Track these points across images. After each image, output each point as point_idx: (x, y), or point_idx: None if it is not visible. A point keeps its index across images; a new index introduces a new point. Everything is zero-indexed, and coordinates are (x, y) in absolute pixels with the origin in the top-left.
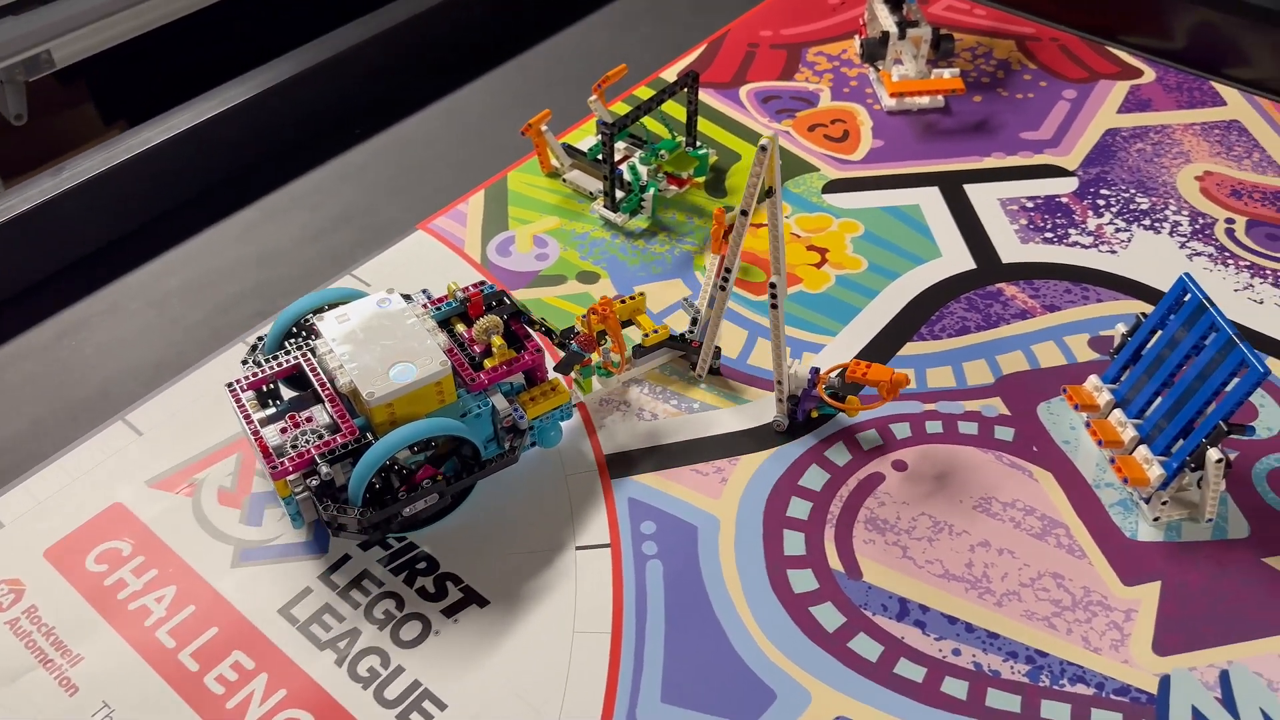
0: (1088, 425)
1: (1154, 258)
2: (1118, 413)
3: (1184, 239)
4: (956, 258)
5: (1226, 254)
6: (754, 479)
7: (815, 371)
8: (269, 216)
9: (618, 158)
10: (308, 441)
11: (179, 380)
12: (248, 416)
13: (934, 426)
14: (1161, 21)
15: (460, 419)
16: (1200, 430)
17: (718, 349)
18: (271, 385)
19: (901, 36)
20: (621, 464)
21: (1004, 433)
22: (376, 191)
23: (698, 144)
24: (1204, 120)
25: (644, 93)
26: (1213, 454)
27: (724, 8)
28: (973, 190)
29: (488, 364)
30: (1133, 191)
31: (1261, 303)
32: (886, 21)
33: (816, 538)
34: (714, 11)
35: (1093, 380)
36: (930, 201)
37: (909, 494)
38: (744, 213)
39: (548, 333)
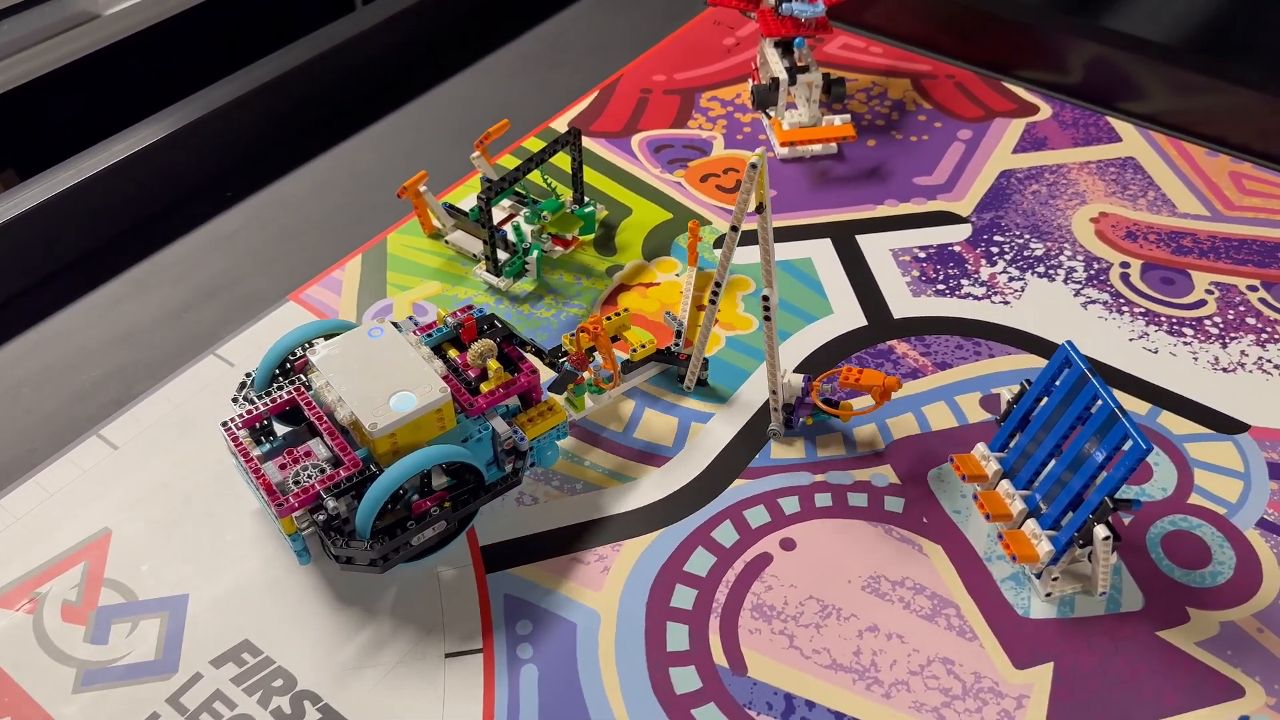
0: (975, 498)
1: (1048, 308)
2: (1005, 484)
3: (1079, 286)
4: (848, 314)
5: (1121, 301)
6: (638, 565)
7: (809, 380)
8: (132, 292)
9: (503, 216)
10: (310, 476)
11: (26, 480)
12: (246, 454)
13: (823, 499)
14: (1057, 56)
15: (461, 444)
16: (1087, 506)
17: (706, 360)
18: (265, 422)
19: (792, 82)
20: (499, 556)
21: (894, 503)
22: (247, 260)
23: (585, 200)
24: (1100, 158)
25: (534, 144)
26: (1100, 531)
27: (617, 51)
28: (865, 241)
29: (484, 388)
30: (1027, 237)
31: (1156, 352)
32: (776, 67)
33: (701, 630)
34: (607, 55)
35: (980, 449)
36: (823, 254)
37: (797, 575)
38: (734, 228)
39: (537, 353)
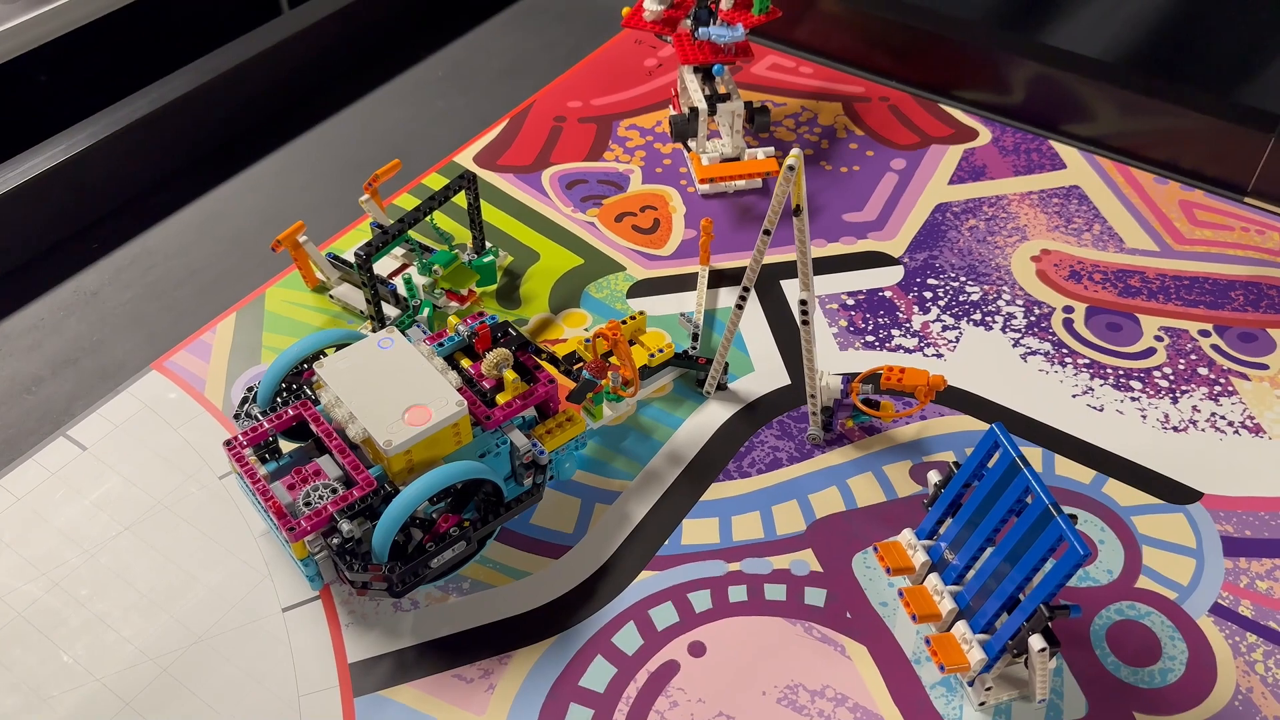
0: (901, 595)
1: (984, 360)
2: (934, 578)
3: (1018, 335)
4: (770, 372)
5: (1064, 351)
6: (527, 682)
7: (847, 380)
8: None
9: (395, 266)
10: (321, 497)
11: None
12: (253, 475)
13: (737, 593)
14: (998, 76)
15: (479, 459)
16: (1021, 611)
17: (726, 365)
18: (270, 440)
19: (712, 112)
20: (369, 675)
21: (815, 595)
22: (108, 323)
23: (486, 247)
24: (1042, 187)
25: (434, 181)
26: (1035, 642)
27: (529, 75)
28: (790, 287)
29: (500, 399)
30: (963, 279)
31: (1101, 409)
32: (695, 95)
33: None
34: (517, 80)
35: (907, 535)
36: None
37: (705, 687)
38: (766, 231)
39: (552, 361)
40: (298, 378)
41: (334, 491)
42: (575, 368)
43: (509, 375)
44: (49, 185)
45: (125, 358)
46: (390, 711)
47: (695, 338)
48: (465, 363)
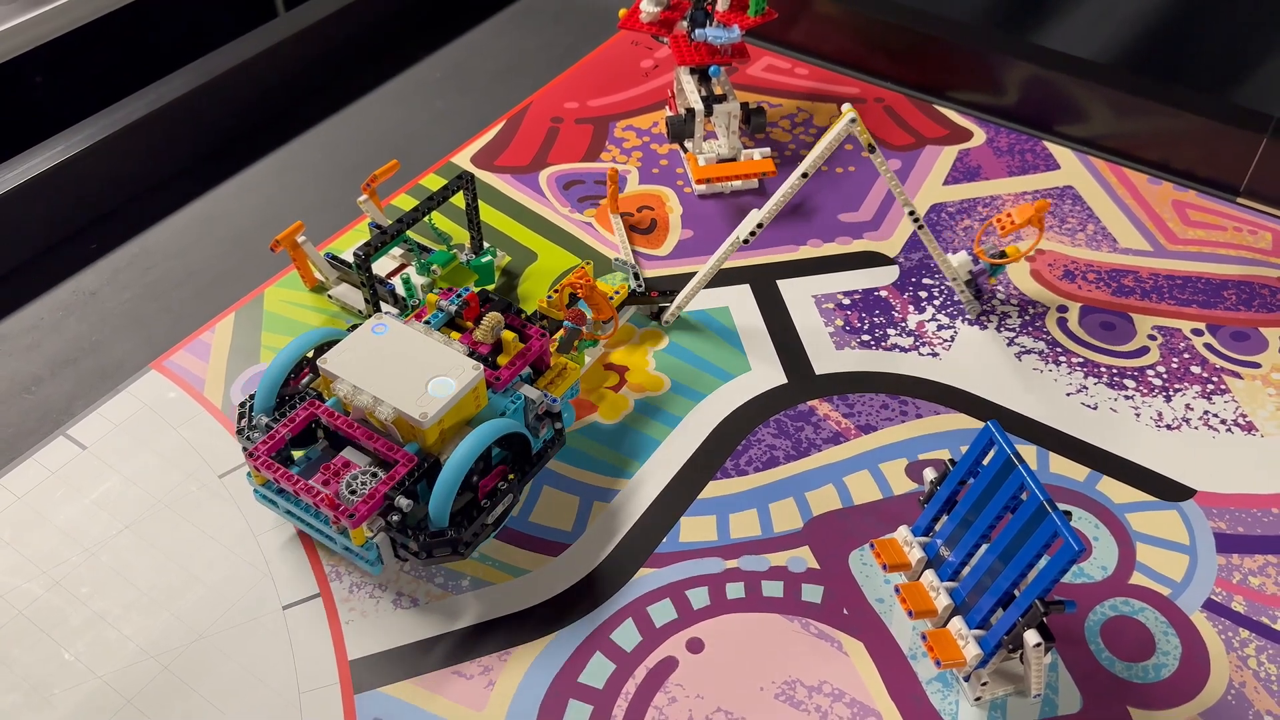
0: (897, 591)
1: (980, 359)
2: (930, 574)
3: (1013, 334)
4: (767, 371)
5: (1058, 350)
6: (527, 678)
7: (969, 250)
8: None
9: (394, 266)
10: (364, 484)
11: None
12: (290, 478)
13: (735, 590)
14: (993, 77)
15: (499, 417)
16: (1016, 606)
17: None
18: (284, 447)
19: (709, 113)
20: (370, 672)
21: (812, 592)
22: (107, 323)
23: (484, 247)
24: (1037, 188)
25: (432, 182)
26: (1030, 637)
27: (526, 76)
28: (786, 286)
29: (501, 360)
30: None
31: (1095, 408)
32: (692, 96)
33: None
34: (515, 81)
35: (903, 533)
36: (741, 302)
37: (704, 683)
38: (804, 175)
39: (530, 321)
40: (287, 385)
41: (374, 475)
42: (543, 324)
43: (508, 335)
44: (48, 186)
45: (124, 358)
46: (391, 708)
47: (636, 276)
48: (455, 336)
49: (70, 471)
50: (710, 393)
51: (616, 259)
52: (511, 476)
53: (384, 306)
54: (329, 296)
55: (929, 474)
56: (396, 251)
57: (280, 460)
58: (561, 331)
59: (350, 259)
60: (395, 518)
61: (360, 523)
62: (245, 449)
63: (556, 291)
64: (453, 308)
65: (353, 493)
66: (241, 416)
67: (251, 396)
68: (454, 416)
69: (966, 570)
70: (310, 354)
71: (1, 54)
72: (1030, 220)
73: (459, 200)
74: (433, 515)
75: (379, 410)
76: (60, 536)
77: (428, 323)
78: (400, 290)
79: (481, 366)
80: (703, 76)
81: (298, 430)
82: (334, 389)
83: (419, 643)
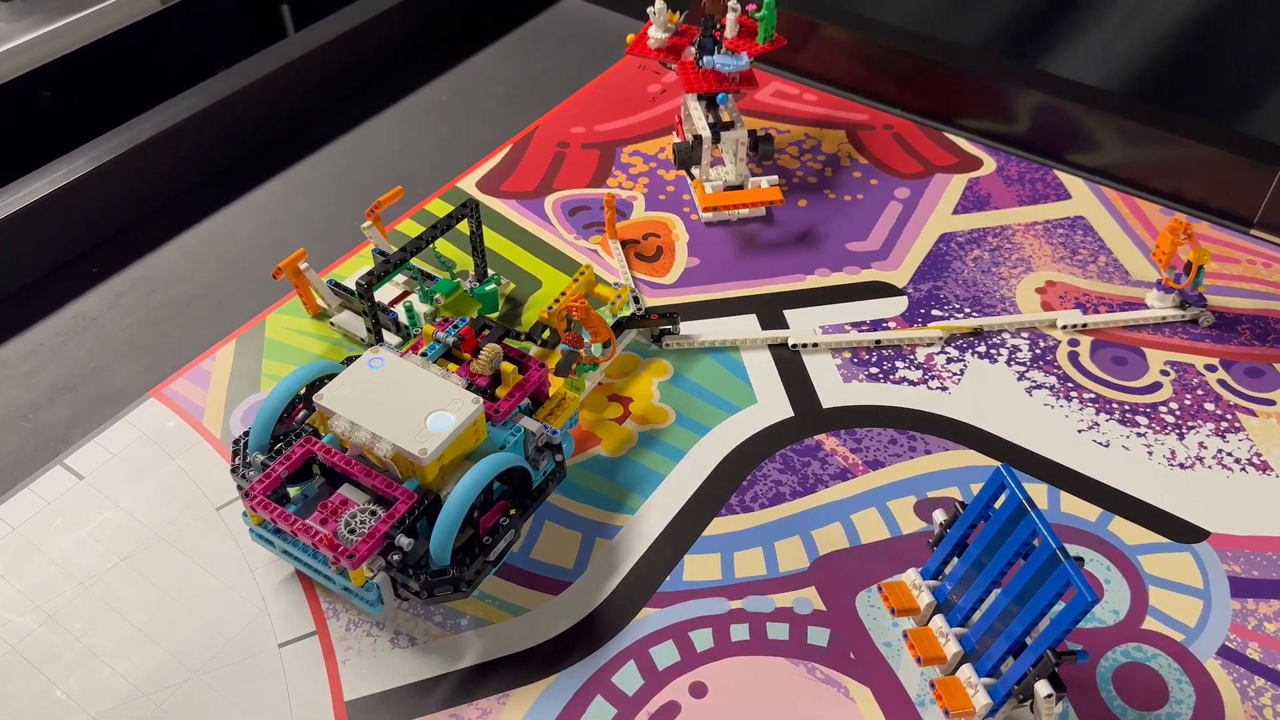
0: (906, 637)
1: (990, 394)
2: (939, 620)
3: (1023, 368)
4: (773, 404)
5: (1070, 385)
6: None
7: (1158, 285)
8: None
9: (397, 294)
10: (364, 522)
11: None
12: (287, 517)
13: (739, 631)
14: (1003, 105)
15: (499, 451)
16: (1027, 656)
17: (675, 316)
18: (280, 486)
19: (716, 140)
20: (366, 714)
21: (818, 635)
22: (107, 350)
23: (488, 274)
24: (1047, 218)
25: (438, 207)
26: (1041, 688)
27: (532, 100)
28: (793, 316)
29: (500, 392)
30: (968, 310)
31: (1107, 445)
32: (700, 123)
33: None
34: (521, 105)
35: (911, 576)
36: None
37: None
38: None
39: (528, 339)
40: (282, 423)
41: (374, 514)
42: (545, 335)
43: (508, 367)
44: (49, 209)
45: (124, 384)
46: None
47: (636, 300)
48: (452, 368)
49: (66, 502)
50: (715, 425)
51: (616, 284)
52: (513, 512)
53: (386, 335)
54: (331, 324)
55: (939, 516)
56: (400, 279)
57: (276, 498)
58: (558, 354)
59: (353, 286)
60: (396, 557)
61: (360, 563)
62: (240, 488)
63: (557, 301)
64: (450, 339)
65: (352, 532)
66: (236, 454)
67: (246, 433)
68: (454, 451)
69: (976, 616)
70: (304, 390)
71: (6, 73)
72: (1175, 243)
73: (464, 227)
74: (434, 553)
75: (377, 447)
76: (55, 569)
77: (424, 354)
78: (403, 318)
79: (481, 400)
80: (710, 103)
81: (294, 468)
82: (331, 425)
83: (417, 684)
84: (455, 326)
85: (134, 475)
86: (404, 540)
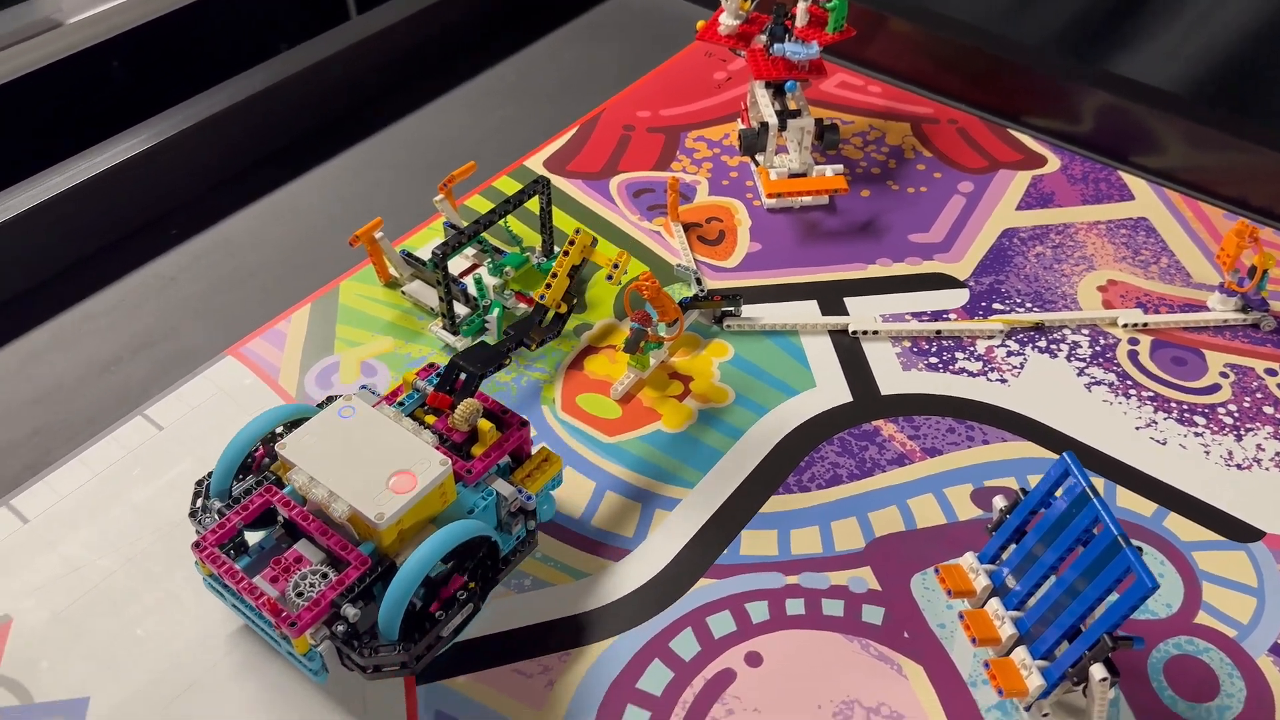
0: (961, 618)
1: (1049, 388)
2: (995, 603)
3: (1083, 364)
4: (832, 389)
5: (1129, 383)
6: (586, 680)
7: (1220, 288)
8: (55, 343)
9: (466, 265)
10: (313, 585)
11: None
12: (233, 574)
13: (795, 606)
14: (1068, 104)
15: (467, 515)
16: (1083, 640)
17: (736, 297)
18: (236, 534)
19: (782, 127)
20: (432, 664)
21: (873, 614)
22: (185, 308)
23: (554, 251)
24: (1110, 217)
25: (506, 185)
26: (1096, 671)
27: (599, 84)
28: (854, 304)
29: (475, 451)
30: (1029, 305)
31: (1165, 443)
32: (766, 111)
33: None
34: (588, 88)
35: (969, 559)
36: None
37: (762, 697)
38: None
39: (521, 344)
40: (248, 467)
41: (324, 577)
42: (619, 260)
43: (485, 425)
44: (131, 172)
45: (201, 343)
46: (451, 700)
47: (699, 281)
48: (430, 419)
49: (147, 451)
50: (774, 407)
51: (678, 265)
52: (472, 585)
53: (455, 306)
54: (402, 293)
55: (999, 502)
56: (469, 251)
57: (235, 547)
58: (627, 332)
59: (425, 257)
60: (341, 628)
61: (302, 632)
62: (193, 542)
63: (616, 267)
64: (430, 388)
65: (299, 595)
66: (197, 495)
67: (209, 475)
68: (415, 515)
69: (1033, 601)
70: (280, 429)
71: (80, 42)
72: (1241, 246)
73: (533, 204)
74: (381, 627)
75: (334, 507)
76: (135, 514)
77: (401, 404)
78: (472, 290)
79: (449, 462)
80: (778, 91)
81: (250, 519)
82: (289, 477)
83: (481, 639)
84: (439, 373)
85: (212, 428)
86: (350, 610)
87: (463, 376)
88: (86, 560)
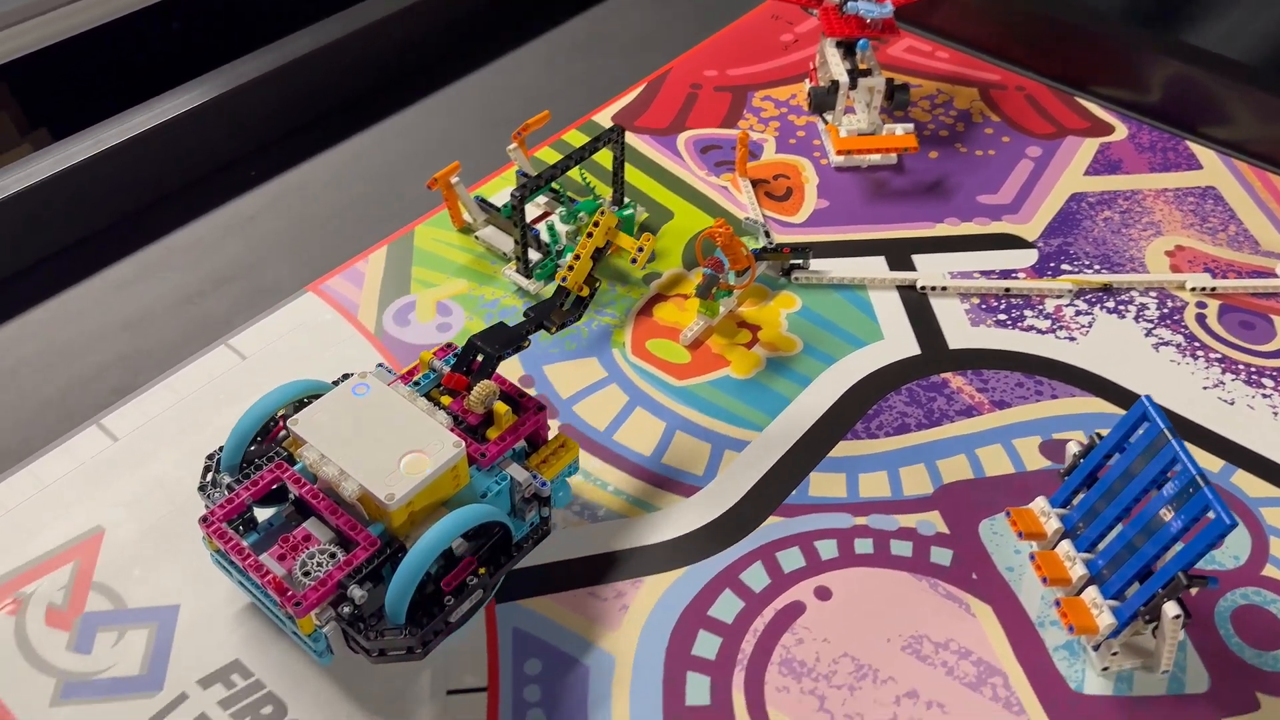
0: (1032, 558)
1: (1117, 347)
2: (1066, 544)
3: (1150, 325)
4: (900, 341)
5: (1196, 344)
6: (659, 606)
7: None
8: (142, 274)
9: (537, 214)
10: (320, 565)
11: (19, 470)
12: (241, 550)
13: (864, 545)
14: (1137, 74)
15: (480, 499)
16: (1157, 578)
17: (808, 250)
18: (246, 510)
19: (853, 86)
20: (510, 586)
21: (941, 555)
22: (265, 246)
23: (625, 201)
24: (1178, 186)
25: (574, 138)
26: (1169, 608)
27: (667, 42)
28: (921, 261)
29: (490, 434)
30: (1097, 267)
31: (1232, 403)
32: (837, 69)
33: (724, 683)
34: (656, 46)
35: (1040, 503)
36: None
37: (831, 629)
38: None
39: (539, 324)
40: (265, 436)
41: (332, 557)
42: (643, 244)
43: (500, 408)
44: (211, 114)
45: (280, 280)
46: (529, 620)
47: (767, 234)
48: (445, 400)
49: (230, 379)
50: (842, 357)
51: (747, 219)
52: (482, 570)
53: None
54: (476, 238)
55: (1073, 446)
56: (540, 200)
57: (243, 522)
58: (700, 277)
59: (498, 203)
60: (346, 609)
61: (308, 611)
62: (200, 516)
63: (640, 251)
64: (447, 368)
65: (306, 574)
66: (208, 469)
67: (221, 448)
68: (427, 498)
69: (1104, 544)
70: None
71: None
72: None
73: (601, 159)
74: (389, 610)
75: (344, 485)
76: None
77: (417, 384)
78: (544, 236)
79: (463, 444)
80: (849, 50)
81: (259, 495)
82: (300, 454)
83: (557, 563)
84: (457, 353)
85: (293, 360)
86: (356, 592)
87: (480, 358)
88: (174, 477)
